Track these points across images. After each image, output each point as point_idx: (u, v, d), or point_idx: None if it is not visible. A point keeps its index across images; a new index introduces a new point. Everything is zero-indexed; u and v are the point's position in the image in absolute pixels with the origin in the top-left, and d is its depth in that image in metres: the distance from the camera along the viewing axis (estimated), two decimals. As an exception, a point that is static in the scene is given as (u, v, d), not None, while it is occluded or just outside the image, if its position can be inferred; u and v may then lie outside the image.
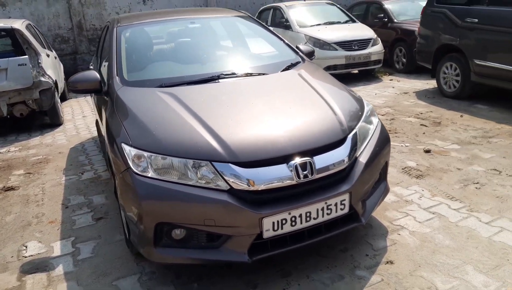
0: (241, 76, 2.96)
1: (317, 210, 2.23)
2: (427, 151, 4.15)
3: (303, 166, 2.18)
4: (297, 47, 3.57)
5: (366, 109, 2.72)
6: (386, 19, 8.99)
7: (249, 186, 2.11)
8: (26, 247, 2.94)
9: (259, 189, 2.12)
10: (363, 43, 7.97)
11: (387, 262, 2.46)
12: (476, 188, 3.31)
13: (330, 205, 2.26)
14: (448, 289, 2.21)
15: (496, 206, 3.00)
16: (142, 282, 2.44)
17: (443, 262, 2.44)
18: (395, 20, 8.85)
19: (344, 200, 2.30)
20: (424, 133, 4.70)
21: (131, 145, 2.29)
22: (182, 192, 2.11)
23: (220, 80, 2.87)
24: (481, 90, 5.95)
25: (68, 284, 2.48)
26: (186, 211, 2.11)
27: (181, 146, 2.22)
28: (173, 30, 3.62)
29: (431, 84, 7.21)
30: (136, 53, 3.27)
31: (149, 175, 2.18)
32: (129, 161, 2.24)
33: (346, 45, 7.83)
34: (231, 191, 2.11)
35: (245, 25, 3.93)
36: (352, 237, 2.74)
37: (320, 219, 2.26)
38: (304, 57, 3.43)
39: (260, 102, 2.58)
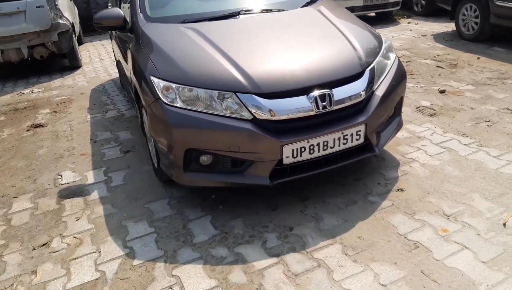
0: (261, 12, 3.01)
1: (334, 139, 2.38)
2: (442, 92, 4.21)
3: (322, 97, 2.31)
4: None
5: (384, 45, 2.79)
6: (406, -41, 8.64)
7: (271, 115, 2.25)
8: (61, 176, 3.19)
9: (280, 118, 2.27)
10: (382, -16, 7.75)
11: (398, 190, 2.64)
12: (488, 125, 3.41)
13: (346, 135, 2.41)
14: (454, 213, 2.39)
15: (506, 142, 3.12)
16: (171, 205, 2.67)
17: (450, 190, 2.61)
18: (416, -40, 8.51)
19: (360, 131, 2.44)
20: (440, 75, 4.73)
21: (159, 78, 2.42)
22: (209, 121, 2.27)
23: (240, 16, 2.94)
24: (499, 32, 5.85)
25: (104, 207, 2.72)
26: (213, 138, 2.28)
27: (206, 78, 2.34)
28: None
29: (450, 27, 7.09)
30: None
31: (178, 105, 2.33)
32: (158, 93, 2.38)
33: (364, -14, 7.62)
34: (254, 121, 2.26)
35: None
36: (365, 167, 2.91)
37: (337, 148, 2.42)
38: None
39: (280, 37, 2.67)
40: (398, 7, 8.07)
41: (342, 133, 2.39)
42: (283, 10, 3.05)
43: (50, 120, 4.41)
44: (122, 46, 3.60)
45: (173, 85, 2.36)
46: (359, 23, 3.02)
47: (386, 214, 2.43)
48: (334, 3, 3.34)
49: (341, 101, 2.37)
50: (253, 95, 2.26)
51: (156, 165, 2.93)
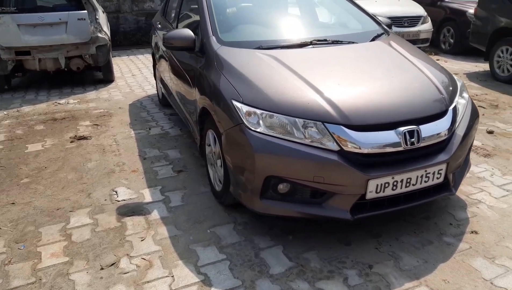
0: (332, 43, 3.01)
1: (417, 177, 2.33)
2: (490, 132, 4.19)
3: (411, 133, 2.28)
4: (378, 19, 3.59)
5: (459, 84, 2.79)
6: (435, -3, 8.81)
7: (359, 148, 2.21)
8: (116, 192, 3.12)
9: (368, 152, 2.23)
10: (413, 20, 7.87)
11: (472, 232, 2.58)
12: (547, 170, 3.37)
13: (429, 173, 2.36)
14: (535, 261, 2.33)
15: None
16: (238, 231, 2.60)
17: (525, 236, 2.55)
18: (445, -1, 8.67)
19: (441, 169, 2.40)
20: (483, 115, 4.72)
21: (242, 102, 2.40)
22: (294, 149, 2.23)
23: (313, 46, 2.93)
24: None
25: (167, 227, 2.65)
26: (297, 167, 2.23)
27: (292, 105, 2.32)
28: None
29: (480, 66, 7.15)
30: (226, 14, 3.34)
31: (261, 130, 2.29)
32: (241, 117, 2.35)
33: (396, 21, 7.71)
34: (341, 152, 2.22)
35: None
36: (433, 207, 2.85)
37: (418, 186, 2.37)
38: (387, 29, 3.46)
39: (361, 69, 2.66)
40: (428, 44, 8.16)
41: (425, 171, 2.35)
42: (354, 43, 3.06)
43: (92, 133, 4.37)
44: (180, 67, 3.59)
45: (257, 111, 2.33)
46: (432, 60, 3.02)
47: (466, 257, 2.36)
48: (401, 38, 3.36)
49: (428, 138, 2.34)
50: (341, 126, 2.23)
51: (218, 188, 2.88)
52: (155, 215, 2.80)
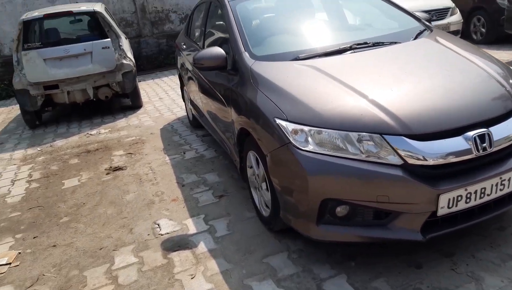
0: (373, 45, 2.79)
1: (492, 185, 2.07)
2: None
3: (481, 138, 2.02)
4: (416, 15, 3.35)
5: (522, 77, 2.51)
6: (462, -13, 8.44)
7: (425, 160, 1.98)
8: (158, 225, 2.97)
9: (435, 163, 1.99)
10: (442, 13, 7.53)
11: (558, 242, 2.28)
12: None
13: (504, 180, 2.10)
14: None
15: None
16: (293, 260, 2.39)
17: None
18: (473, -13, 8.29)
19: (518, 175, 2.13)
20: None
21: (286, 120, 2.21)
22: (352, 167, 2.01)
23: (355, 51, 2.72)
24: None
25: (217, 261, 2.47)
26: (358, 187, 2.01)
27: (343, 118, 2.11)
28: (284, 1, 3.50)
29: (520, 54, 6.73)
30: (255, 27, 3.17)
31: (312, 149, 2.09)
32: (288, 137, 2.16)
33: (424, 15, 7.41)
34: (405, 166, 1.99)
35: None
36: (505, 215, 2.56)
37: (493, 196, 2.11)
38: (429, 24, 3.21)
39: (412, 70, 2.42)
40: (459, 36, 7.79)
41: (500, 178, 2.08)
42: (397, 43, 2.82)
43: (127, 162, 4.28)
44: (211, 87, 3.44)
45: (305, 128, 2.13)
46: (485, 53, 2.75)
47: (558, 272, 2.07)
48: (446, 32, 3.11)
49: (501, 141, 2.08)
50: (402, 137, 2.00)
51: (265, 214, 2.68)
52: (202, 247, 2.62)
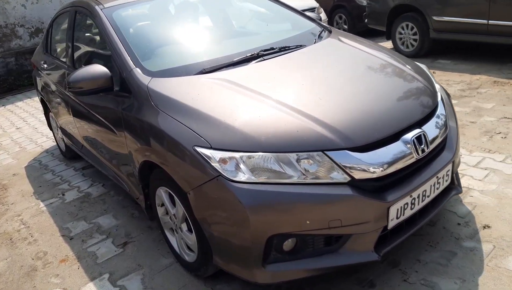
0: (280, 51, 2.53)
1: (430, 186, 1.99)
2: (430, 110, 4.13)
3: (418, 139, 1.92)
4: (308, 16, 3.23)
5: (427, 72, 2.52)
6: (320, -13, 8.93)
7: (371, 172, 1.78)
8: (48, 299, 2.30)
9: (381, 174, 1.81)
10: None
11: (484, 227, 2.33)
12: (502, 137, 3.33)
13: (440, 178, 2.04)
14: (560, 242, 2.14)
15: (535, 151, 3.05)
16: (236, 310, 2.01)
17: (533, 216, 2.37)
18: (330, -13, 8.83)
19: (449, 170, 2.09)
20: (413, 93, 4.69)
21: (210, 148, 1.81)
22: (299, 193, 1.72)
23: (264, 58, 2.43)
24: (438, 46, 6.17)
25: (141, 334, 1.96)
26: (307, 214, 1.73)
27: (278, 138, 1.79)
28: (172, 7, 3.04)
29: (387, 45, 7.33)
30: (139, 38, 2.67)
31: (246, 179, 1.74)
32: (216, 168, 1.77)
33: (292, 16, 7.61)
34: (352, 183, 1.77)
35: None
36: (429, 208, 2.56)
37: (432, 196, 2.03)
38: (325, 25, 3.11)
39: (333, 76, 2.22)
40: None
41: (437, 177, 2.01)
42: (303, 46, 2.62)
43: (-13, 218, 3.35)
44: (91, 113, 2.82)
45: (236, 155, 1.77)
46: (393, 51, 2.71)
47: (498, 260, 2.08)
48: (345, 32, 3.03)
49: (434, 139, 2.00)
50: (346, 150, 1.78)
51: (189, 259, 2.24)
52: (116, 319, 2.07)
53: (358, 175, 1.76)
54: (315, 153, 1.76)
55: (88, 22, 3.00)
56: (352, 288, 2.04)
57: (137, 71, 2.31)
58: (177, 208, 2.16)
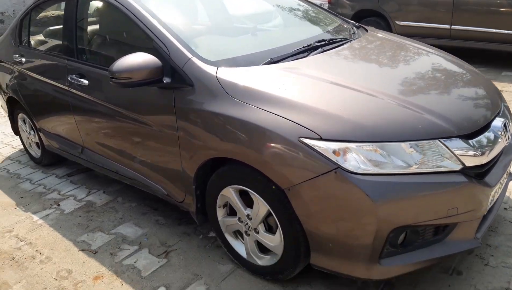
0: (330, 43, 2.44)
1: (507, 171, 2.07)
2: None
3: (505, 127, 1.98)
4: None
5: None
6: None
7: (480, 159, 1.79)
8: (100, 324, 1.96)
9: (487, 160, 1.83)
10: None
11: (530, 211, 2.48)
12: None
13: (510, 164, 2.13)
14: None
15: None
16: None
17: None
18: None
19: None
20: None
21: (320, 139, 1.68)
22: (420, 183, 1.66)
23: (324, 50, 2.33)
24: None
25: None
26: (429, 205, 1.68)
27: (389, 127, 1.71)
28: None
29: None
30: (185, 25, 2.41)
31: (367, 171, 1.65)
32: (332, 159, 1.65)
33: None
34: (464, 170, 1.75)
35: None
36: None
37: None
38: (350, 21, 3.10)
39: (407, 68, 2.20)
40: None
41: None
42: (348, 40, 2.55)
43: (-33, 238, 2.79)
44: (118, 110, 2.47)
45: (352, 145, 1.66)
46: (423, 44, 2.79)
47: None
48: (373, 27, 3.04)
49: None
50: (458, 138, 1.76)
51: (263, 262, 2.08)
52: (200, 337, 1.82)
53: (468, 162, 1.76)
54: (430, 141, 1.72)
55: (102, 8, 2.65)
56: (440, 277, 2.03)
57: (197, 61, 2.08)
58: (256, 207, 1.97)
